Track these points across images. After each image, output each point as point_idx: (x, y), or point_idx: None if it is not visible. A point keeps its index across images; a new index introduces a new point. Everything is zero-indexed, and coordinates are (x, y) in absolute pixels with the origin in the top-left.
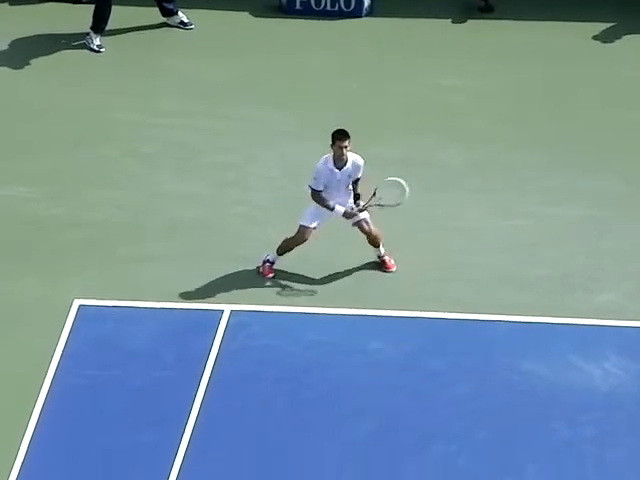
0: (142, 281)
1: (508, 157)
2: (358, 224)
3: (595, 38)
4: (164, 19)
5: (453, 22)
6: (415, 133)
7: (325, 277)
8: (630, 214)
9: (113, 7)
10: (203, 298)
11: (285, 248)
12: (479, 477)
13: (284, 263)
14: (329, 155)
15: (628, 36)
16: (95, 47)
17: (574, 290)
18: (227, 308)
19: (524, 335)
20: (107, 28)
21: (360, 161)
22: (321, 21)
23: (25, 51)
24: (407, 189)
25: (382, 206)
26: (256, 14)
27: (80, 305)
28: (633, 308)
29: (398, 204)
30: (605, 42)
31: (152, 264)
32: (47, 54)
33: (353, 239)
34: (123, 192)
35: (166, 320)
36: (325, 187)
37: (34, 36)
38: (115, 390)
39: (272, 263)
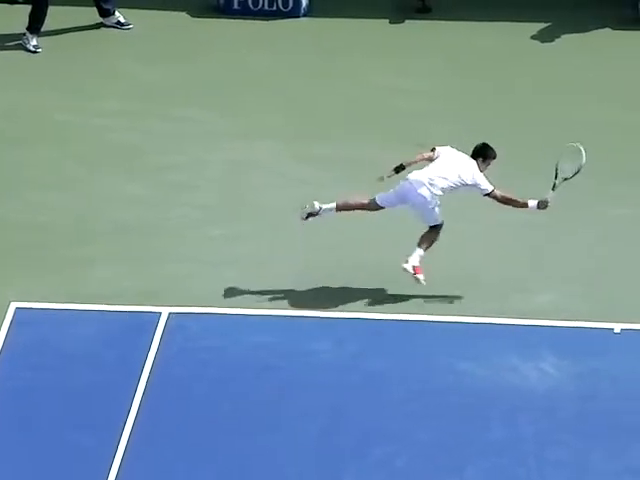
0: (81, 283)
1: None
2: None
3: (533, 38)
4: (101, 19)
5: (391, 22)
6: (356, 133)
7: (265, 279)
8: (570, 217)
9: (50, 7)
10: (142, 300)
11: (348, 207)
12: (419, 478)
13: (221, 264)
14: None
15: (566, 35)
16: (32, 48)
17: (513, 291)
18: (165, 310)
19: (463, 336)
20: (44, 28)
21: None
22: (259, 21)
23: None
24: (582, 150)
25: (568, 178)
26: (194, 14)
27: (17, 308)
28: (570, 309)
29: (580, 167)
30: (544, 42)
31: (91, 266)
32: None
33: (291, 240)
34: (64, 194)
35: (104, 322)
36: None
37: None
38: (53, 393)
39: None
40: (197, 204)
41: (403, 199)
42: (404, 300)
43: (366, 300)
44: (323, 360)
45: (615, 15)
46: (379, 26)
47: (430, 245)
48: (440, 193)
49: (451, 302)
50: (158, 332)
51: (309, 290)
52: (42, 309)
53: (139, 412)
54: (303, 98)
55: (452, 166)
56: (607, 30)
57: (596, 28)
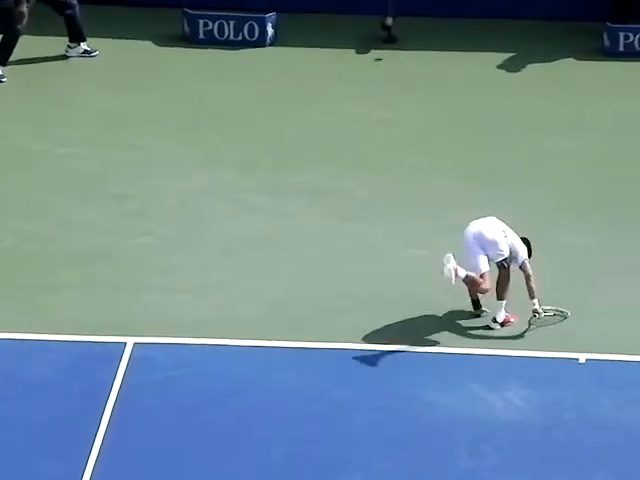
0: (45, 312)
1: (411, 186)
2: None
3: (499, 67)
4: (66, 52)
5: (357, 52)
6: (319, 161)
7: (228, 308)
8: (533, 244)
9: None
10: (106, 330)
11: (504, 289)
12: None
13: (184, 293)
14: None
15: (530, 65)
16: None
17: (478, 320)
18: (130, 340)
19: (428, 365)
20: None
21: None
22: (225, 50)
23: None
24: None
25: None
26: (160, 43)
27: None
28: (535, 338)
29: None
30: (509, 71)
31: (55, 295)
32: None
33: (253, 269)
34: (26, 221)
35: (69, 352)
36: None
37: None
38: (17, 423)
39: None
40: (158, 233)
41: None
42: (370, 330)
43: (332, 329)
44: (288, 389)
45: (581, 46)
46: (345, 55)
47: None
48: None
49: (417, 333)
50: (123, 362)
51: (274, 319)
52: (4, 339)
53: (104, 441)
54: (266, 127)
55: None
56: (572, 60)
57: (561, 58)
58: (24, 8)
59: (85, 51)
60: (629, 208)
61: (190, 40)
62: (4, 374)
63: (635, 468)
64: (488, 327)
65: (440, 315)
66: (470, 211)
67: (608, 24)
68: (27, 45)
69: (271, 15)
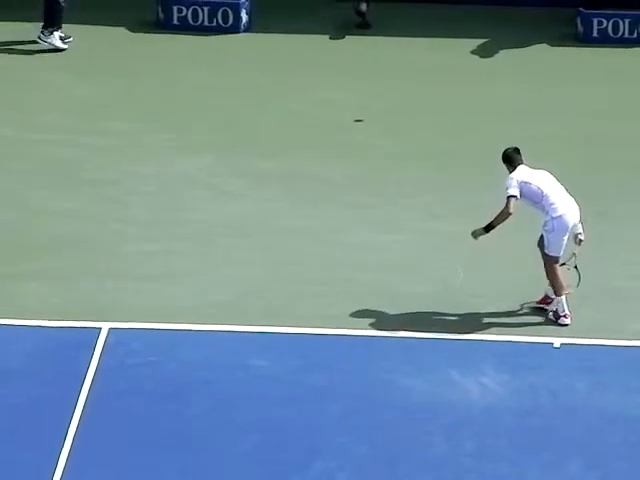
0: (18, 299)
1: (389, 172)
2: None
3: (472, 53)
4: (39, 40)
5: (331, 38)
6: (294, 147)
7: (204, 294)
8: (507, 229)
9: None
10: (81, 315)
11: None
12: None
13: (159, 279)
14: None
15: (503, 51)
16: None
17: (453, 305)
18: (105, 326)
19: (404, 351)
20: None
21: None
22: (199, 37)
23: None
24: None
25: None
26: (133, 29)
27: None
28: (511, 323)
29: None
30: (482, 57)
31: (28, 282)
32: None
33: (228, 255)
34: None
35: (43, 338)
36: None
37: None
38: None
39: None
40: (132, 219)
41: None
42: (345, 315)
43: (306, 315)
44: (263, 375)
45: (554, 32)
46: (320, 42)
47: (557, 286)
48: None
49: (392, 319)
50: (98, 347)
51: (248, 305)
52: None
53: (79, 427)
54: (241, 113)
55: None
56: (545, 46)
57: (535, 44)
58: None
59: (60, 38)
60: (602, 192)
61: (164, 26)
62: None
63: (609, 452)
64: (463, 311)
65: (415, 301)
66: (444, 196)
67: (581, 10)
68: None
69: (245, 1)
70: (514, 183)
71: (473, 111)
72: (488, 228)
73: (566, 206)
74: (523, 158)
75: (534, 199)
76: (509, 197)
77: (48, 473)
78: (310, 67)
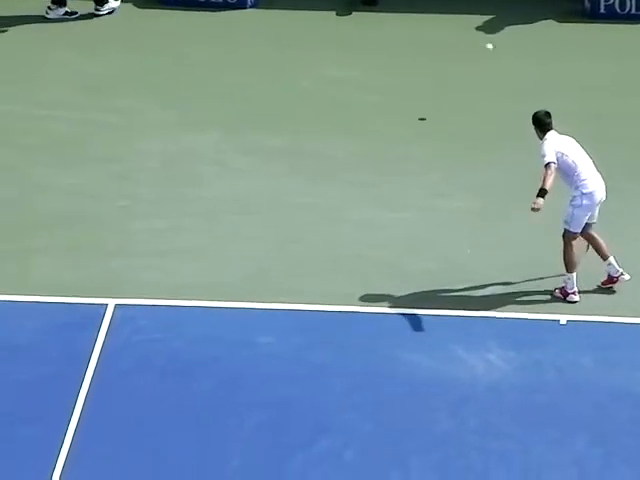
0: (24, 276)
1: (393, 149)
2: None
3: (478, 29)
4: (47, 12)
5: (337, 14)
6: (302, 125)
7: (210, 270)
8: (513, 207)
9: None
10: (87, 292)
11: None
12: (365, 470)
13: (165, 256)
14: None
15: (509, 27)
16: None
17: (458, 282)
18: (111, 302)
19: (409, 327)
20: None
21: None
22: (205, 12)
23: None
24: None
25: None
26: (140, 5)
27: None
28: (516, 300)
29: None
30: (489, 33)
31: (35, 258)
32: None
33: (234, 231)
34: (4, 185)
35: (49, 315)
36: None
37: None
38: None
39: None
40: (139, 196)
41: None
42: (348, 292)
43: (310, 292)
44: (268, 352)
45: (562, 7)
46: (326, 18)
47: (569, 263)
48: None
49: (397, 295)
50: (104, 324)
51: (254, 282)
52: None
53: (85, 404)
54: (248, 89)
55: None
56: (553, 22)
57: (542, 20)
58: None
59: (66, 13)
60: (610, 169)
61: (171, 2)
62: None
63: (615, 429)
64: (469, 288)
65: (421, 278)
66: (450, 174)
67: None
68: (7, 5)
69: None
70: (550, 150)
71: (480, 88)
72: (542, 193)
73: (596, 183)
74: (554, 123)
75: (567, 172)
76: (547, 164)
77: (55, 449)
78: (317, 44)
